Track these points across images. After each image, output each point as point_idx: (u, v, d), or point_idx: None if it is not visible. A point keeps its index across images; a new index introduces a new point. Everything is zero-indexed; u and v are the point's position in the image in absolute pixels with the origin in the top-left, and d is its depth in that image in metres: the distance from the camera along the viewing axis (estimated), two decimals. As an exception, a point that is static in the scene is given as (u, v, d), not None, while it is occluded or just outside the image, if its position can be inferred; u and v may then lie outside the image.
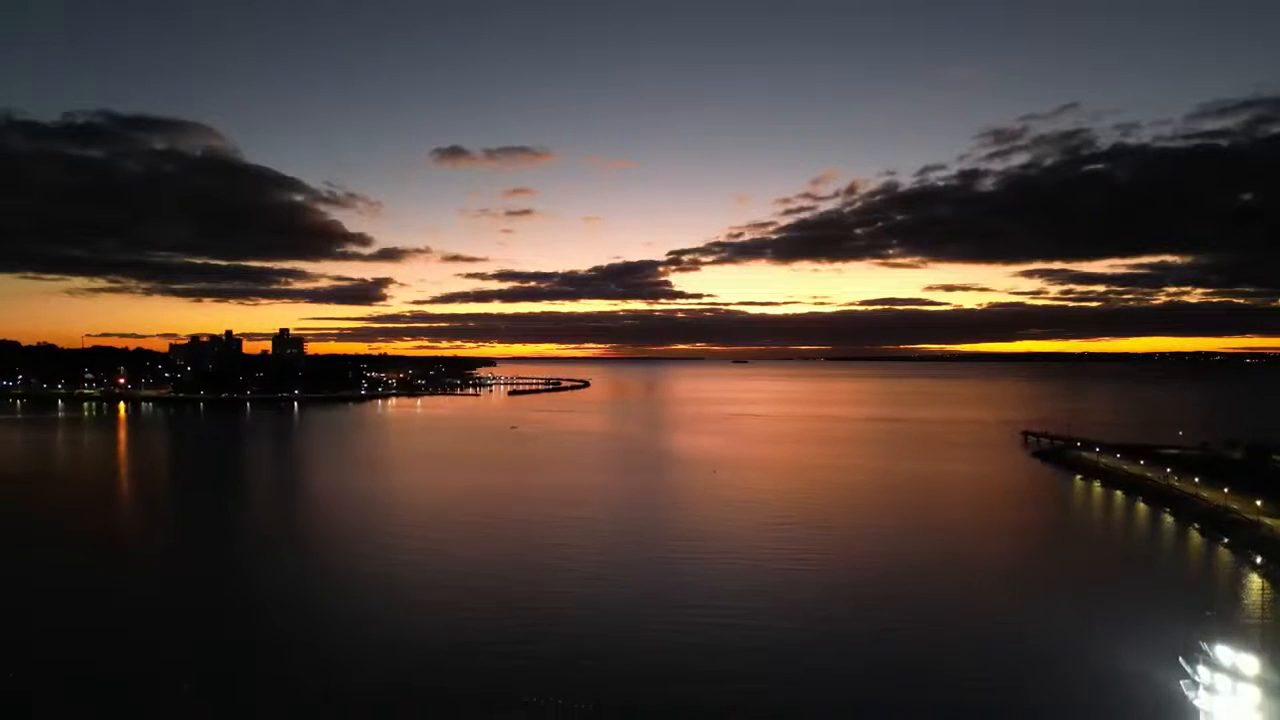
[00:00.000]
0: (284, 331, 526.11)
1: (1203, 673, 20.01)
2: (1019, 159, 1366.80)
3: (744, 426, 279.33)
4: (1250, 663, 19.22)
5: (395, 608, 74.32)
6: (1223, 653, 19.57)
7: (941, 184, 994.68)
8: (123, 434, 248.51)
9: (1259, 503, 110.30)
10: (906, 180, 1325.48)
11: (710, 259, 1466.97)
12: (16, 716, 48.90)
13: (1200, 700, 20.17)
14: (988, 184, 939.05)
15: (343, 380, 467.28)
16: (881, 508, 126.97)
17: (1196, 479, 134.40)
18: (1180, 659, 20.38)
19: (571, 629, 67.69)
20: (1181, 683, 20.61)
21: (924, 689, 56.05)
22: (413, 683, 56.27)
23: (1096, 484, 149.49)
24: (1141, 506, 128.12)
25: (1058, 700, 53.76)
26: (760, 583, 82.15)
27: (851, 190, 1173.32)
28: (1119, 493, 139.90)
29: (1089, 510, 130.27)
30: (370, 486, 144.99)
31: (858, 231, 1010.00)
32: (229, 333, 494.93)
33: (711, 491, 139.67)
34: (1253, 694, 18.91)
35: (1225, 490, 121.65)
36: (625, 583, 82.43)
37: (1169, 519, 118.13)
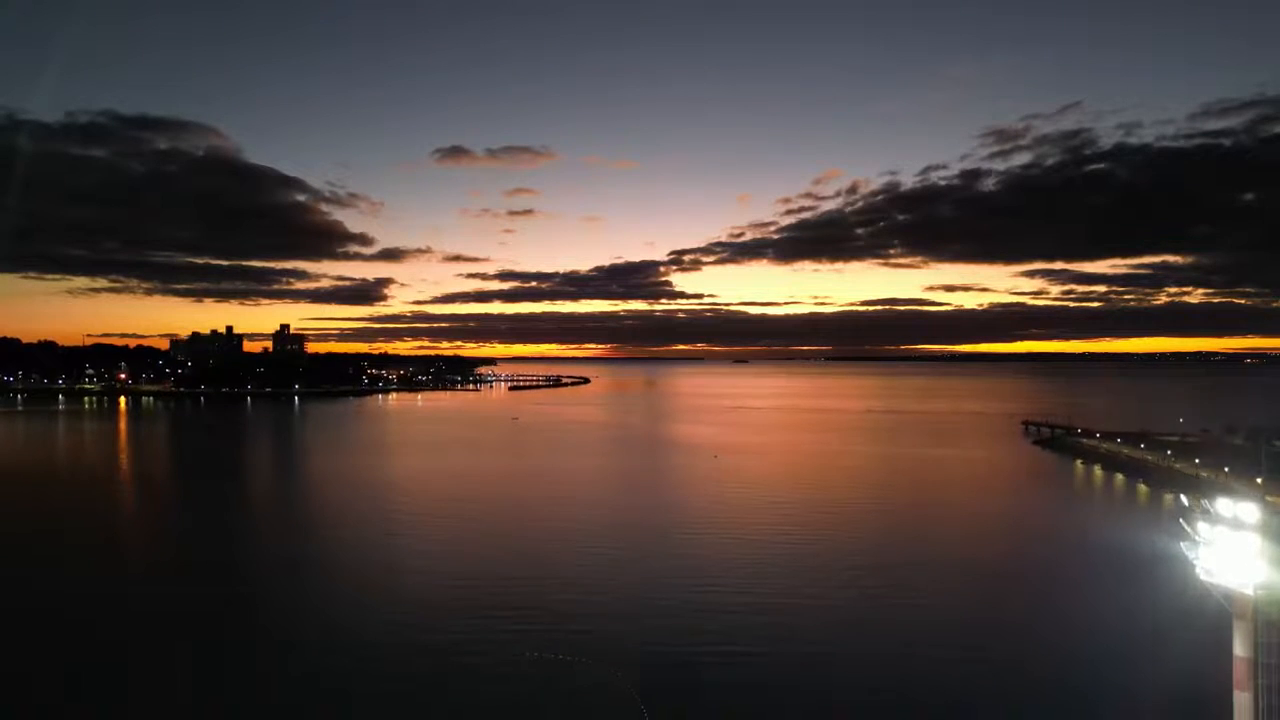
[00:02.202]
0: (284, 327, 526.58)
1: (1202, 529, 20.17)
2: (1021, 159, 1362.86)
3: (745, 418, 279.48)
4: (1251, 511, 19.38)
5: (397, 582, 74.64)
6: (1223, 505, 19.76)
7: (943, 184, 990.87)
8: (123, 423, 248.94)
9: (1259, 480, 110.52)
10: (908, 180, 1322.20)
11: (711, 259, 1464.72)
12: (16, 694, 48.53)
13: (1199, 556, 20.33)
14: (989, 184, 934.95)
15: (343, 376, 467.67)
16: (881, 487, 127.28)
17: (1197, 460, 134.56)
18: (1180, 520, 20.45)
19: (574, 597, 67.61)
20: (1181, 543, 20.76)
21: (927, 633, 56.52)
22: (415, 647, 56.51)
23: (1097, 468, 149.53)
24: (1142, 487, 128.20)
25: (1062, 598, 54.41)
26: (762, 556, 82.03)
27: (853, 190, 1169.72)
28: (1119, 475, 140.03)
29: (1089, 490, 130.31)
30: (372, 470, 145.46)
31: (859, 231, 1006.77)
32: (230, 328, 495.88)
33: (714, 474, 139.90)
34: (1253, 542, 19.07)
35: (1226, 470, 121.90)
36: (627, 555, 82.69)
37: (1169, 498, 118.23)
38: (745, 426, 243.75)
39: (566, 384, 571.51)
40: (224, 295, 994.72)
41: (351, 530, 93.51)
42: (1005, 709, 45.88)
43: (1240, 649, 20.26)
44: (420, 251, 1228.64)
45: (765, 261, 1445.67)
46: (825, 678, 50.02)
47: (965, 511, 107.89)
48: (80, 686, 48.62)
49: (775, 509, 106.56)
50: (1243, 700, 20.43)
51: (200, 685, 49.00)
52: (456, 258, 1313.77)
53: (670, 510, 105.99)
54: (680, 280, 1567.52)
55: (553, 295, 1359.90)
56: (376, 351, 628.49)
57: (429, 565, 77.14)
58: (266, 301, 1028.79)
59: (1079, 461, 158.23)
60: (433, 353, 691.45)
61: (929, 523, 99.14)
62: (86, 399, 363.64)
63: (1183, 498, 20.10)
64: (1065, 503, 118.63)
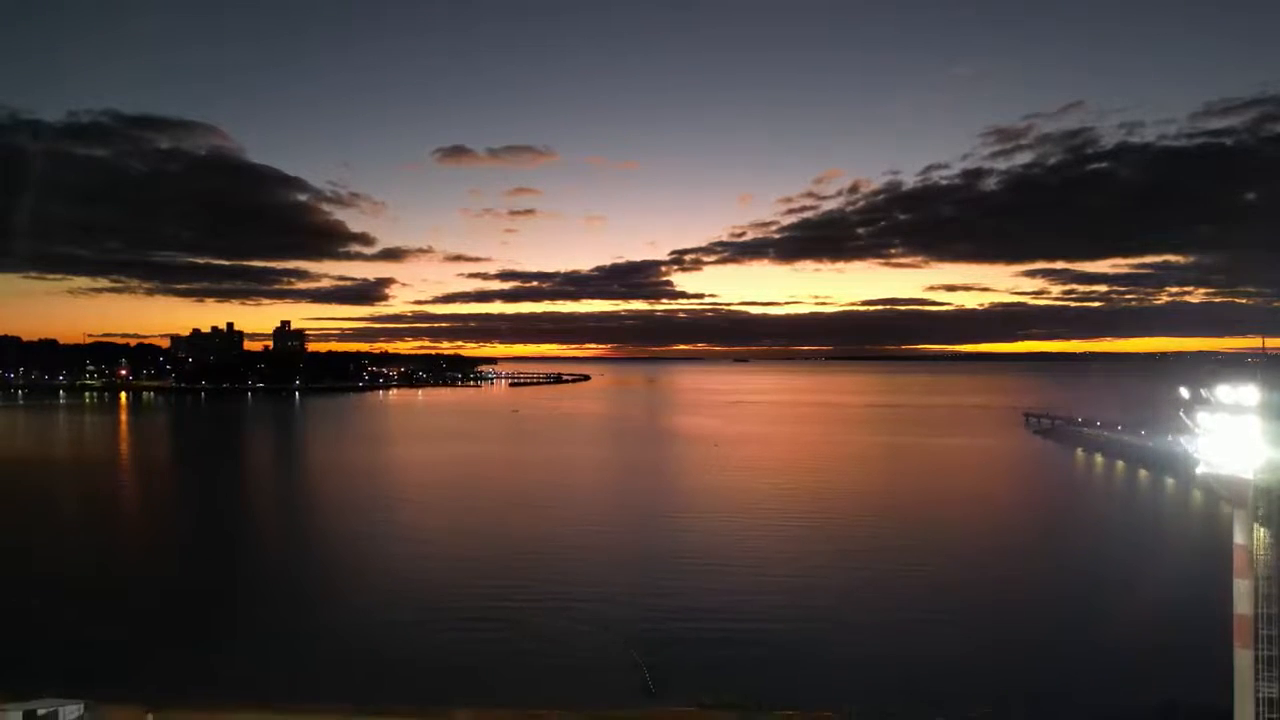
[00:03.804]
0: (285, 324, 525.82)
1: (1202, 419, 19.96)
2: (1022, 158, 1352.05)
3: (745, 411, 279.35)
4: (1252, 393, 19.15)
5: (396, 565, 74.63)
6: (1224, 392, 19.52)
7: (945, 183, 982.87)
8: (123, 416, 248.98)
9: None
10: (909, 179, 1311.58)
11: (713, 259, 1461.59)
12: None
13: (1199, 448, 20.12)
14: (991, 183, 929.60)
15: (344, 373, 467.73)
16: (885, 473, 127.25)
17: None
18: (1181, 414, 20.33)
19: (574, 572, 67.20)
20: (1181, 438, 20.51)
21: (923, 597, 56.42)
22: (415, 614, 56.47)
23: (1098, 455, 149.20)
24: (1144, 473, 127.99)
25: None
26: (766, 537, 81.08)
27: (854, 190, 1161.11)
28: (1120, 462, 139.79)
29: (1090, 476, 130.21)
30: (373, 460, 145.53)
31: (860, 231, 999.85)
32: (230, 325, 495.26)
33: (714, 462, 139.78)
34: (1255, 423, 18.84)
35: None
36: (628, 536, 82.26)
37: (1171, 482, 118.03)
38: (746, 419, 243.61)
39: (567, 381, 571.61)
40: (225, 295, 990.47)
41: (351, 518, 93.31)
42: (1013, 677, 45.82)
43: (1240, 536, 20.13)
44: (421, 251, 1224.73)
45: (766, 261, 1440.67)
46: (829, 651, 49.30)
47: (968, 493, 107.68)
48: (79, 676, 48.28)
49: (778, 493, 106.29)
50: (1243, 587, 20.30)
51: (202, 665, 48.54)
52: (458, 257, 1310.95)
53: (670, 494, 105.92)
54: (681, 280, 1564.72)
55: (554, 295, 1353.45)
56: (377, 351, 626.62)
57: (428, 551, 76.59)
58: (268, 301, 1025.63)
59: (1080, 450, 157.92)
60: (433, 352, 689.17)
61: (932, 504, 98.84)
62: (87, 395, 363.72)
63: (1183, 390, 19.81)
64: (1066, 484, 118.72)
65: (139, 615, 55.33)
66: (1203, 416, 19.80)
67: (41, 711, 31.79)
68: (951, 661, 46.50)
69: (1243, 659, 19.51)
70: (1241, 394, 18.88)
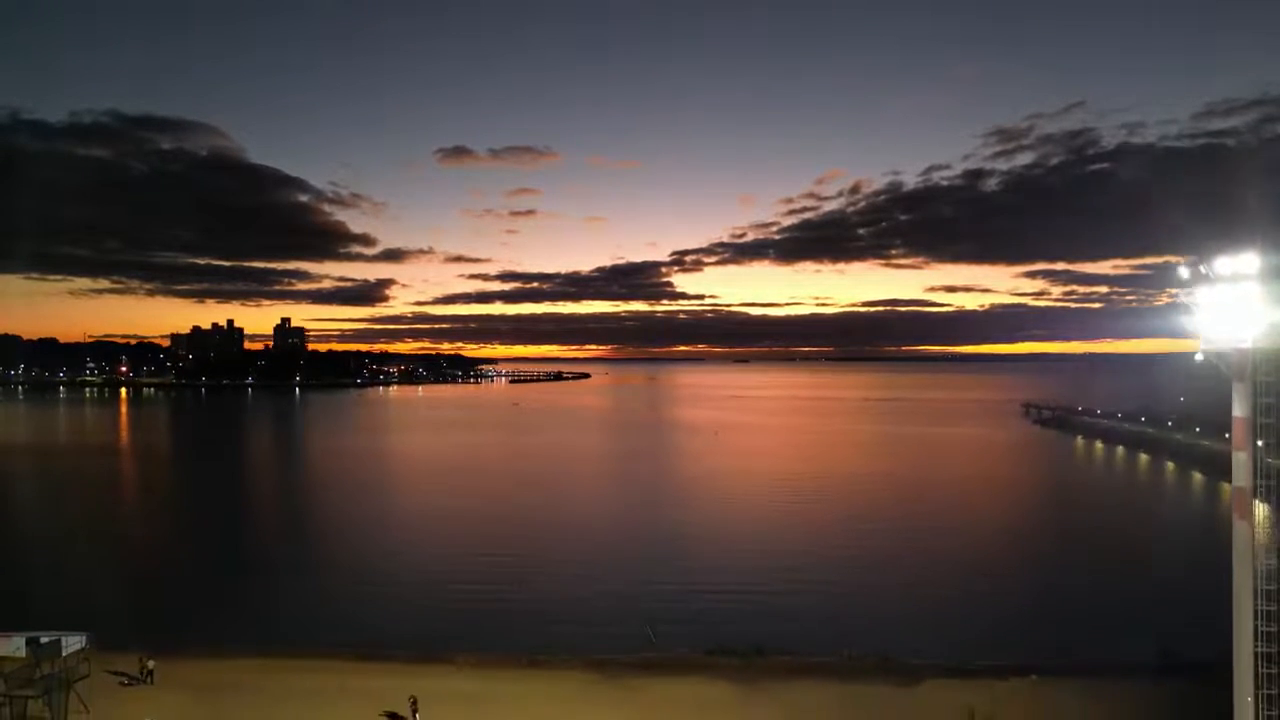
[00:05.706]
0: (285, 321, 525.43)
1: (1200, 294, 19.79)
2: (1024, 158, 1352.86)
3: (745, 404, 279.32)
4: (1251, 261, 18.94)
5: (401, 531, 74.65)
6: (1223, 264, 19.34)
7: (946, 184, 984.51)
8: (124, 409, 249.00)
9: (1260, 444, 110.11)
10: (911, 180, 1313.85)
11: (713, 259, 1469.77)
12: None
13: (1197, 324, 19.97)
14: (992, 184, 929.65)
15: (344, 370, 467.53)
16: (883, 457, 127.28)
17: (1198, 428, 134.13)
18: (1178, 293, 20.22)
19: (577, 542, 67.34)
20: (1180, 317, 20.45)
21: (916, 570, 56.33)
22: (419, 577, 56.54)
23: (1098, 442, 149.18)
24: (1144, 457, 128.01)
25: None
26: (763, 511, 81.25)
27: (855, 190, 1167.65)
28: (1120, 448, 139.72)
29: (1090, 461, 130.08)
30: (375, 447, 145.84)
31: (861, 232, 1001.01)
32: (230, 322, 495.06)
33: (714, 448, 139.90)
34: (1254, 290, 18.60)
35: (1227, 436, 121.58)
36: (630, 511, 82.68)
37: (1171, 465, 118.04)
38: (746, 411, 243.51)
39: (567, 378, 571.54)
40: (226, 296, 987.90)
41: (353, 497, 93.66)
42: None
43: (1239, 409, 20.15)
44: (422, 252, 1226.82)
45: (767, 262, 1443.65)
46: (830, 610, 49.42)
47: (968, 474, 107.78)
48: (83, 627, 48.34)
49: (778, 475, 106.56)
50: (1241, 459, 20.34)
51: (206, 619, 48.50)
52: (458, 258, 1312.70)
53: (672, 475, 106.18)
54: (682, 281, 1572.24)
55: (554, 296, 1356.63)
56: (377, 351, 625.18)
57: (431, 524, 77.13)
58: (268, 302, 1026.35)
59: (1080, 437, 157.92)
60: (433, 353, 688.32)
61: (933, 485, 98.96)
62: (87, 391, 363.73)
63: (1181, 269, 19.61)
64: (1066, 465, 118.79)
65: (144, 575, 55.41)
66: (1201, 291, 19.74)
67: (45, 640, 31.91)
68: (953, 618, 46.50)
69: (1241, 530, 19.53)
70: (1241, 262, 18.75)
